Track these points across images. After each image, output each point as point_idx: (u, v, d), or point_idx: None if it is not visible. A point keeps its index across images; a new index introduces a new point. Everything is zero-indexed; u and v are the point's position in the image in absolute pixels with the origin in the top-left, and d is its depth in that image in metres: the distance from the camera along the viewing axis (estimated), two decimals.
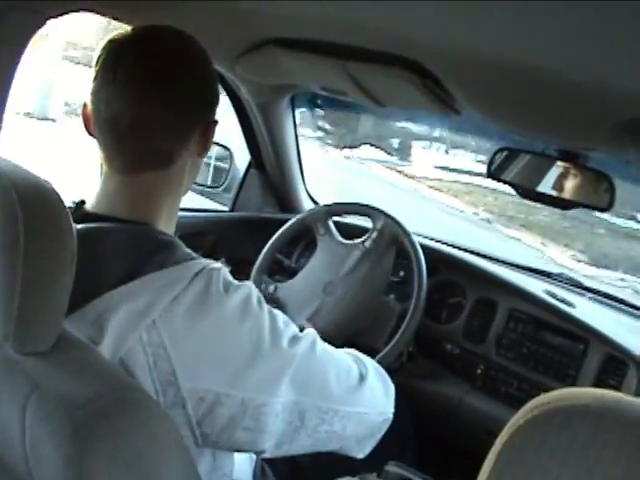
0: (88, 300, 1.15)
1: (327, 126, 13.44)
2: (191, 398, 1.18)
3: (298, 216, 2.61)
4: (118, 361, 1.14)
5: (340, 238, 2.48)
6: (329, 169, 10.41)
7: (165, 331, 1.16)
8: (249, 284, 1.30)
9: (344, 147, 15.05)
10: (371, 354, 2.15)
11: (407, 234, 2.34)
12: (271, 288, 2.46)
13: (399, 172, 15.24)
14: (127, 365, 1.14)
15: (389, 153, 15.89)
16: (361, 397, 1.44)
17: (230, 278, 1.28)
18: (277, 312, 1.33)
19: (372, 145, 15.37)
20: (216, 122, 1.39)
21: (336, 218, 2.61)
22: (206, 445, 1.24)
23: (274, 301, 2.41)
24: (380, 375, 1.56)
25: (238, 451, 1.38)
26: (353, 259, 2.42)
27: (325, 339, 1.48)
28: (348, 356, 1.49)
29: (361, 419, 1.45)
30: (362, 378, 1.46)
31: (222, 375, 1.20)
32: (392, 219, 2.39)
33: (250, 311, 1.25)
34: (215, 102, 1.39)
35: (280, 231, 2.56)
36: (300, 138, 3.03)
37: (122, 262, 1.20)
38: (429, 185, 14.47)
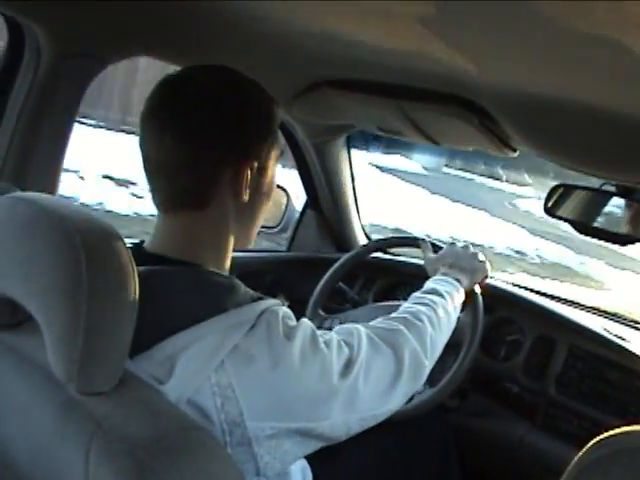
0: (154, 342, 1.16)
1: None
2: (257, 437, 1.20)
3: (352, 252, 2.62)
4: (187, 401, 1.15)
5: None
6: None
7: (233, 373, 1.17)
8: (305, 323, 1.32)
9: None
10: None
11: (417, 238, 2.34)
12: (327, 323, 2.43)
13: None
14: (196, 405, 1.16)
15: None
16: (394, 398, 1.45)
17: (288, 319, 1.29)
18: (330, 340, 1.35)
19: None
20: (252, 164, 1.34)
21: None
22: (271, 472, 1.26)
23: None
24: (413, 365, 1.50)
25: None
26: None
27: None
28: (389, 354, 1.45)
29: (390, 410, 1.46)
30: (397, 377, 1.44)
31: (285, 413, 1.23)
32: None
33: (309, 354, 1.27)
34: (249, 143, 1.34)
35: (334, 267, 2.55)
36: None
37: (186, 305, 1.22)
38: None
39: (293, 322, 1.29)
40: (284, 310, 1.29)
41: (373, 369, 1.39)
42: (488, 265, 2.09)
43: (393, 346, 1.46)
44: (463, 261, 2.03)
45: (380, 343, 1.44)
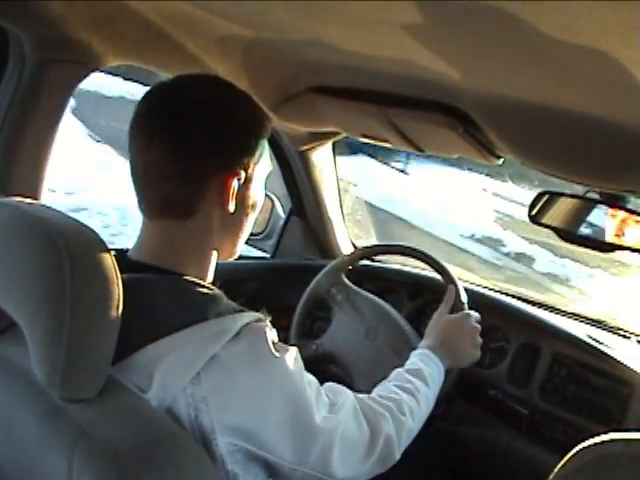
0: (134, 350, 1.16)
1: None
2: (227, 452, 1.20)
3: (339, 259, 2.62)
4: (166, 410, 1.15)
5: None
6: None
7: (209, 386, 1.16)
8: (294, 350, 1.31)
9: None
10: None
11: (448, 275, 2.35)
12: (313, 348, 2.42)
13: None
14: (173, 415, 1.15)
15: None
16: (359, 474, 1.46)
17: (275, 339, 1.28)
18: (311, 382, 1.34)
19: None
20: (239, 175, 1.33)
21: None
22: None
23: (320, 358, 2.40)
24: (384, 451, 1.50)
25: None
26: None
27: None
28: (366, 431, 1.45)
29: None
30: (368, 454, 1.45)
31: (259, 437, 1.22)
32: (433, 261, 2.40)
33: (290, 381, 1.27)
34: (238, 154, 1.33)
35: (306, 293, 2.55)
36: None
37: (165, 314, 1.21)
38: None
39: (280, 344, 1.29)
40: (269, 328, 1.28)
41: (348, 435, 1.39)
42: (479, 354, 2.04)
43: (373, 426, 1.47)
44: (459, 343, 1.99)
45: (362, 418, 1.45)
